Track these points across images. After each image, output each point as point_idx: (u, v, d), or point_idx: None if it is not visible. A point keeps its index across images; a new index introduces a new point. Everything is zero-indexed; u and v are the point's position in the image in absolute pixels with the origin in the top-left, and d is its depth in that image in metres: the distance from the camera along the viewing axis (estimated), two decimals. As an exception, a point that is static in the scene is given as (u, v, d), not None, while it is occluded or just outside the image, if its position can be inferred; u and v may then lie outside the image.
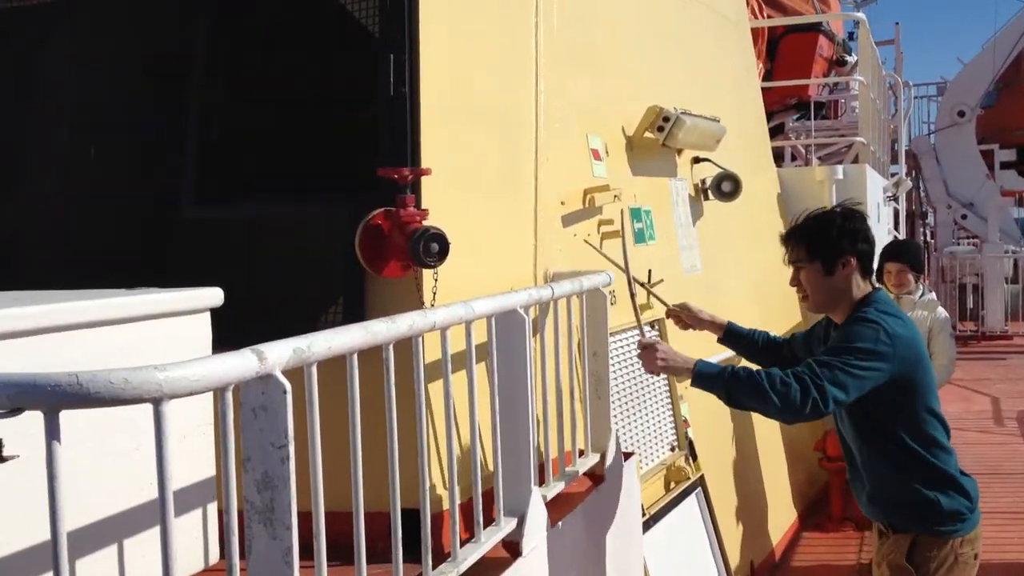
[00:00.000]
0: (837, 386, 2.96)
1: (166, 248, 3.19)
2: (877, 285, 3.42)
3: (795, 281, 3.37)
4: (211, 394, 1.76)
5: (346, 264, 3.07)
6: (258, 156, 3.23)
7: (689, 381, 3.25)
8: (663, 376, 4.78)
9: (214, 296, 2.54)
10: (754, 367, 3.30)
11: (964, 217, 18.03)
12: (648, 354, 3.20)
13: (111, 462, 2.19)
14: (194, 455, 2.48)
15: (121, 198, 3.28)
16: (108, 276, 2.56)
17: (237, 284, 2.63)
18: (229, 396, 1.67)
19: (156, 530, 2.30)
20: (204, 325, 2.53)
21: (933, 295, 6.21)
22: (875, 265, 3.41)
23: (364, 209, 3.04)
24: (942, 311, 6.08)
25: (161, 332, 2.39)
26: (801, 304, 3.71)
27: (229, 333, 2.52)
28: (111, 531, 2.23)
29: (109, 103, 3.34)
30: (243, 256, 3.10)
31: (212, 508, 2.56)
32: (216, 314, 2.55)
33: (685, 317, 3.71)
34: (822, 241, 3.24)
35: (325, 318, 3.10)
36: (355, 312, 3.06)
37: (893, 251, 6.22)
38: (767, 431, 6.37)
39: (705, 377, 3.10)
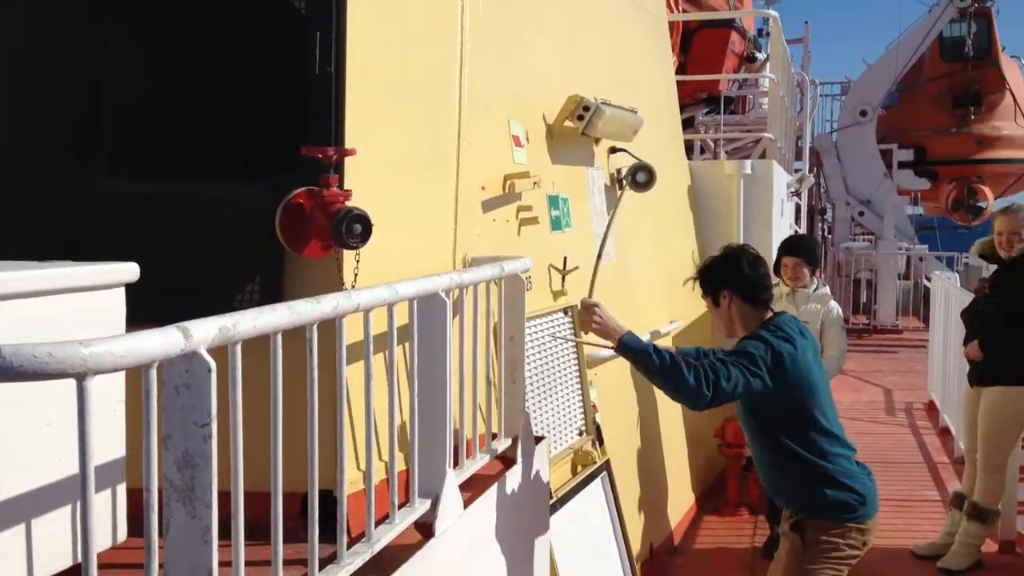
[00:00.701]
0: (736, 379, 3.40)
1: (80, 222, 3.10)
2: (774, 310, 3.81)
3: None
4: (123, 372, 1.74)
5: (265, 243, 3.03)
6: (178, 131, 3.16)
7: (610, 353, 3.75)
8: (574, 362, 4.86)
9: (129, 271, 2.49)
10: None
11: (861, 214, 18.63)
12: (587, 313, 3.62)
13: (22, 437, 2.14)
14: (103, 432, 2.43)
15: (34, 170, 3.18)
16: (19, 249, 2.49)
17: (153, 260, 2.58)
18: (153, 373, 1.66)
19: (66, 508, 2.28)
20: (118, 300, 2.48)
21: (827, 289, 6.41)
22: (766, 283, 3.81)
23: (286, 188, 3.01)
24: (835, 305, 6.29)
25: (73, 306, 2.33)
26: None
27: (143, 310, 2.48)
28: (18, 507, 2.18)
29: (21, 71, 3.23)
30: (160, 232, 3.03)
31: (121, 488, 2.52)
32: (131, 290, 2.50)
33: (595, 314, 3.67)
34: (706, 280, 3.86)
35: (242, 297, 3.06)
36: (273, 292, 3.03)
37: (789, 246, 6.40)
38: (671, 418, 6.52)
39: (629, 348, 3.50)
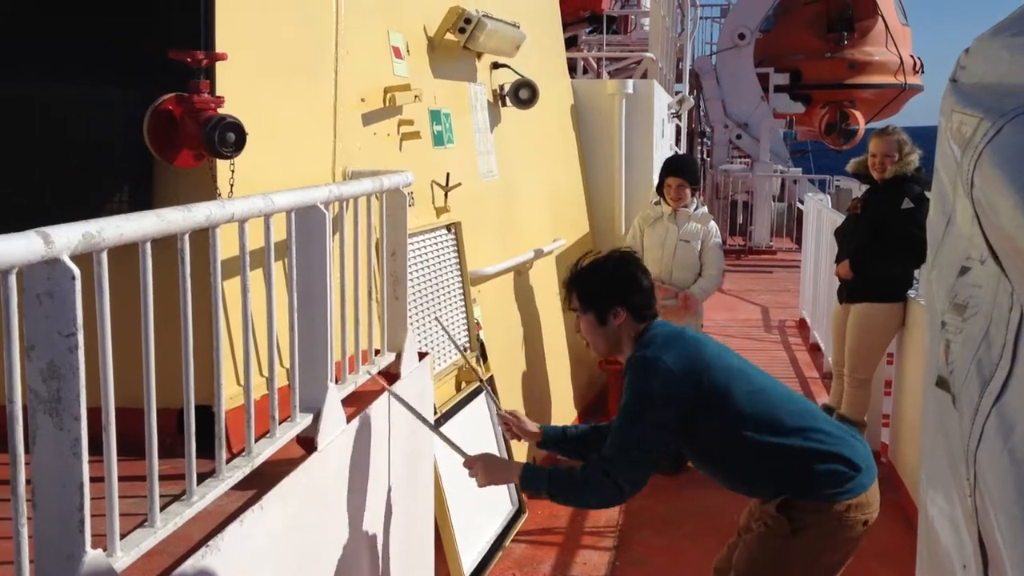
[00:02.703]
0: (640, 464, 2.96)
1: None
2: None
3: (578, 328, 3.35)
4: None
5: (133, 151, 2.90)
6: (39, 30, 2.97)
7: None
8: (458, 279, 4.84)
9: (-15, 177, 2.35)
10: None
11: (739, 137, 18.97)
12: (473, 472, 3.19)
13: None
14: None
15: None
16: None
17: (13, 167, 2.45)
18: (12, 279, 1.57)
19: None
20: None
21: (705, 209, 6.53)
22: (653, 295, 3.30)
23: (153, 93, 2.87)
24: (713, 224, 6.42)
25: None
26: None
27: (3, 218, 2.35)
28: None
29: None
30: (21, 138, 2.86)
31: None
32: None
33: (513, 426, 3.49)
34: (594, 292, 3.22)
35: (109, 208, 2.92)
36: (142, 203, 2.91)
37: (673, 166, 6.47)
38: (554, 335, 6.60)
39: (530, 482, 3.12)
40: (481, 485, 3.20)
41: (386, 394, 3.35)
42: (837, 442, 3.05)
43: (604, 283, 3.22)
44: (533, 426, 3.45)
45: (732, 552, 3.29)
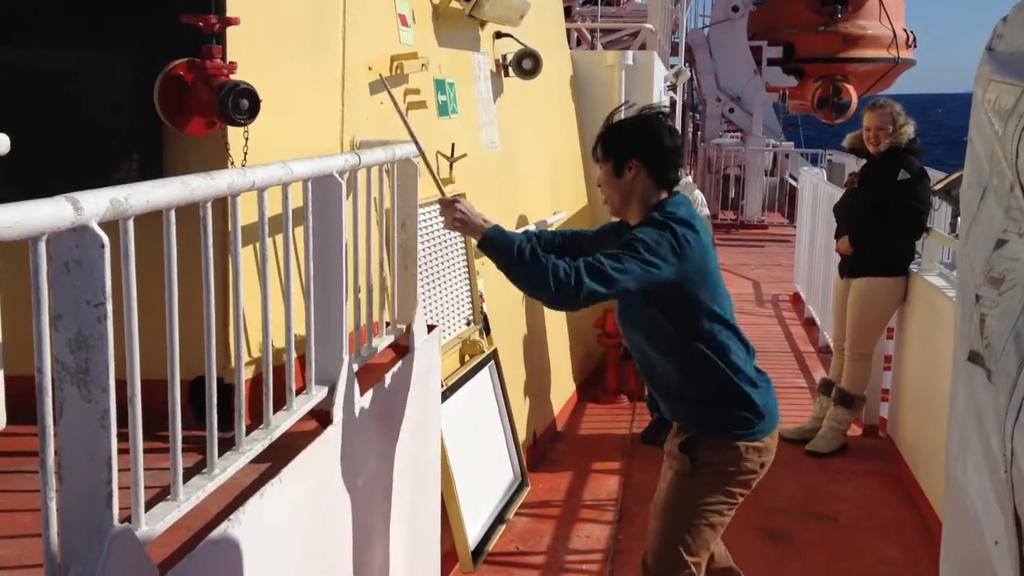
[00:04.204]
0: (619, 272, 2.87)
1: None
2: (676, 189, 3.27)
3: (599, 182, 3.31)
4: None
5: (142, 118, 2.84)
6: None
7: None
8: (462, 251, 4.80)
9: (-1, 143, 2.30)
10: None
11: (731, 111, 18.91)
12: (448, 211, 3.00)
13: None
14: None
15: None
16: None
17: (23, 135, 2.39)
18: (42, 247, 1.53)
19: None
20: (-14, 175, 2.29)
21: (690, 179, 6.51)
22: (680, 161, 3.24)
23: (164, 58, 2.81)
24: (699, 194, 6.41)
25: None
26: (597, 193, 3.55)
27: (11, 186, 2.30)
28: None
29: None
30: (30, 105, 2.79)
31: (-2, 374, 2.37)
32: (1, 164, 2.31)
33: (457, 214, 3.06)
34: (614, 142, 3.19)
35: (117, 177, 2.87)
36: (152, 171, 2.85)
37: None
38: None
39: (492, 245, 2.91)
40: (446, 226, 3.07)
41: (396, 366, 3.32)
42: (755, 387, 3.16)
43: (624, 134, 3.18)
44: (480, 217, 3.02)
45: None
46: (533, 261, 2.83)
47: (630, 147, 3.14)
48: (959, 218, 4.68)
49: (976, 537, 2.20)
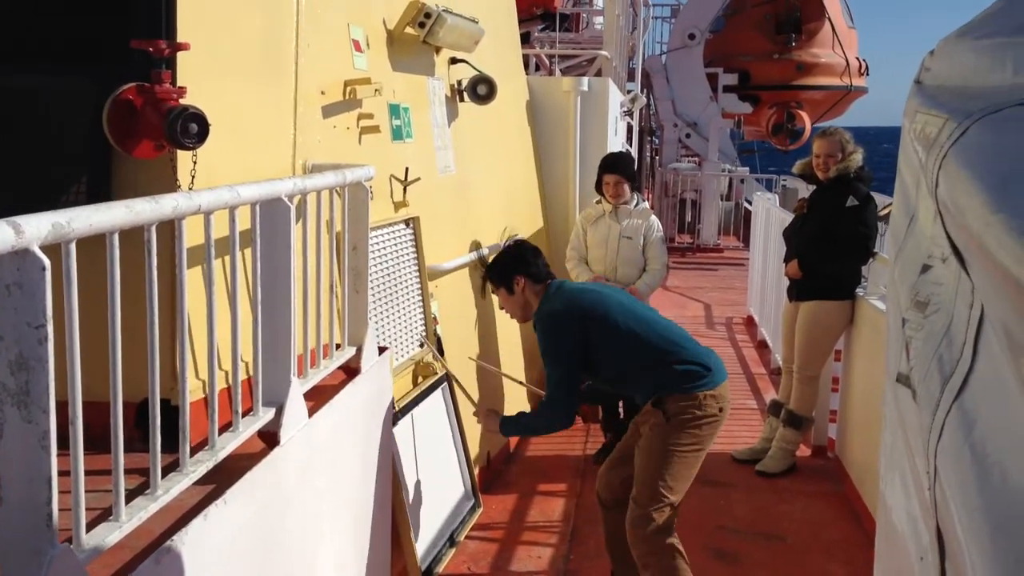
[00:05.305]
0: (553, 392, 4.08)
1: None
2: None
3: (501, 305, 4.52)
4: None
5: (91, 142, 2.86)
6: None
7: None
8: (415, 274, 4.84)
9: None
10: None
11: (688, 136, 19.12)
12: (479, 418, 4.51)
13: None
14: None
15: None
16: None
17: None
18: (-18, 271, 1.54)
19: None
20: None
21: (646, 204, 6.58)
22: (543, 260, 4.43)
23: (113, 83, 2.83)
24: (655, 219, 6.47)
25: None
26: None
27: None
28: None
29: None
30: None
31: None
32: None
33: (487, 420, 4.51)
34: (498, 273, 4.40)
35: (66, 199, 2.88)
36: (100, 194, 2.86)
37: (609, 164, 6.50)
38: (508, 331, 6.61)
39: (507, 426, 4.36)
40: (484, 429, 4.79)
41: (346, 388, 3.34)
42: (695, 354, 4.03)
43: (503, 264, 4.42)
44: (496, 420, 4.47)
45: (617, 464, 4.27)
46: (535, 420, 4.38)
47: (511, 270, 4.35)
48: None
49: (903, 553, 2.26)
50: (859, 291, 6.03)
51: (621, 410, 6.40)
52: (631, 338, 4.01)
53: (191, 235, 2.35)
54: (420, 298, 4.86)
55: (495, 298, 6.35)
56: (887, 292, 2.65)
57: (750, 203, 16.67)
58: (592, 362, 4.05)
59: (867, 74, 21.39)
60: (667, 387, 3.95)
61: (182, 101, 2.83)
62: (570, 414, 4.13)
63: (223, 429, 2.61)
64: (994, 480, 1.53)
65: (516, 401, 6.68)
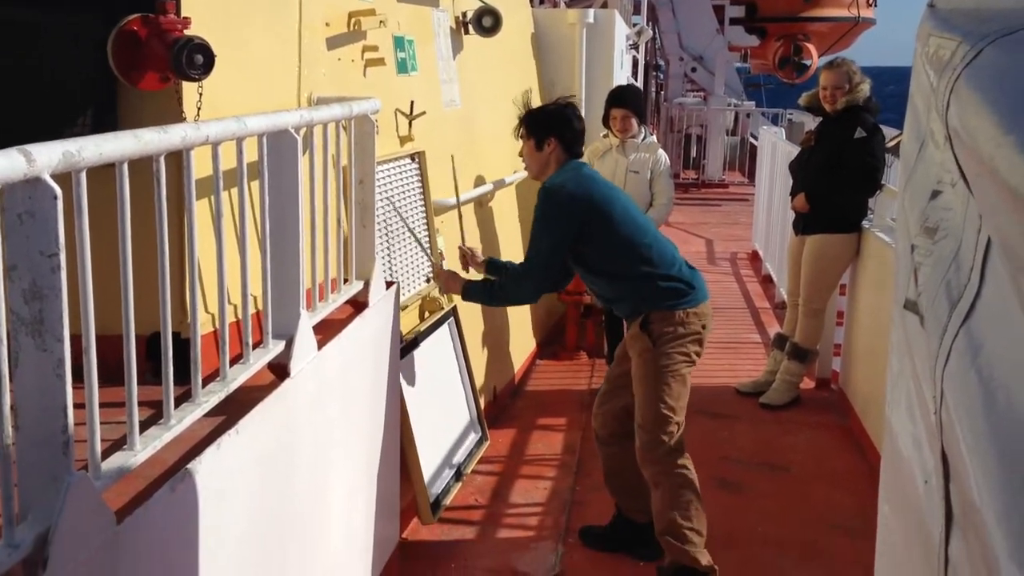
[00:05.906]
0: (547, 270, 4.02)
1: None
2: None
3: (521, 152, 4.32)
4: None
5: (96, 73, 2.84)
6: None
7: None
8: (422, 210, 4.83)
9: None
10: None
11: (694, 70, 18.96)
12: (438, 279, 4.38)
13: None
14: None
15: None
16: None
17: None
18: (-6, 199, 1.55)
19: None
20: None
21: (654, 138, 6.54)
22: (583, 139, 4.28)
23: (117, 13, 2.80)
24: (662, 153, 6.44)
25: None
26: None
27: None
28: None
29: None
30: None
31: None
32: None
33: (469, 259, 4.50)
34: (537, 123, 4.21)
35: (73, 132, 2.86)
36: (107, 126, 2.85)
37: (616, 97, 6.46)
38: (514, 265, 6.61)
39: (471, 292, 4.23)
40: (441, 292, 4.72)
41: (355, 322, 3.36)
42: (681, 273, 4.02)
43: (544, 118, 4.24)
44: (481, 258, 4.52)
45: (608, 398, 4.33)
46: (500, 290, 4.21)
47: (547, 128, 4.17)
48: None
49: (909, 478, 2.29)
50: (865, 223, 6.02)
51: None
52: (626, 242, 3.98)
53: (198, 168, 2.35)
54: (427, 234, 4.86)
55: (500, 236, 6.41)
56: (896, 219, 2.65)
57: (756, 138, 16.55)
58: (581, 253, 4.02)
59: (875, 5, 21.11)
60: (649, 302, 3.97)
61: (187, 32, 2.80)
62: (538, 291, 4.12)
63: (233, 362, 2.63)
64: (999, 404, 1.54)
65: (521, 338, 6.71)
